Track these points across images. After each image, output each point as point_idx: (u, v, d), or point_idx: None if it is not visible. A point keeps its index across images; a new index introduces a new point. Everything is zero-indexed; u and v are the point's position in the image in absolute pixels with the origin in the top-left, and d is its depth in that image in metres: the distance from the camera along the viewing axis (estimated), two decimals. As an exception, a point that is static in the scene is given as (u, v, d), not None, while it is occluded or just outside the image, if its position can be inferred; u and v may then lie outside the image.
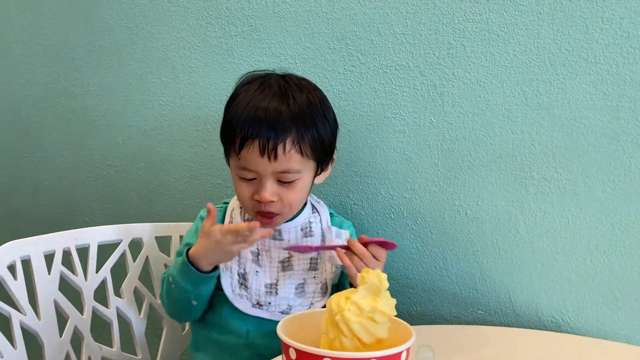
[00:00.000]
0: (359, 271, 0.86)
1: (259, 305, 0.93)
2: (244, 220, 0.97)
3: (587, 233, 0.97)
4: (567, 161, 0.97)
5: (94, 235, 1.04)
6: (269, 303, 0.93)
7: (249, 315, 0.93)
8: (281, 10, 1.14)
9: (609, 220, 0.95)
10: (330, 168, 0.99)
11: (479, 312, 1.05)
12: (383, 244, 0.90)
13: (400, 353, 0.59)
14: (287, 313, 0.92)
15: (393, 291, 0.68)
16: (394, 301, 0.62)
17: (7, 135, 1.54)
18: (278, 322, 0.76)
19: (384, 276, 0.62)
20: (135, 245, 1.09)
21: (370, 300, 0.61)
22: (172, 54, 1.27)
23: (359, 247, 0.89)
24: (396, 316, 0.65)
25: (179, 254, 0.98)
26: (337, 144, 1.00)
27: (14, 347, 0.86)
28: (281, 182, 0.91)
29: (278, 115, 0.89)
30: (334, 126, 0.97)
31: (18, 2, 1.46)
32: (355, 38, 1.08)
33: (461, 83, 1.02)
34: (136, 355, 1.08)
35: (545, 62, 0.96)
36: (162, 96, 1.30)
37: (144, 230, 1.09)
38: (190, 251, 0.92)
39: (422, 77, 1.04)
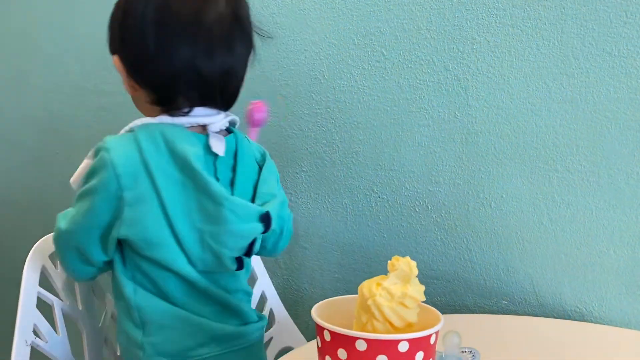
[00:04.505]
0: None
1: None
2: None
3: (611, 224, 0.98)
4: (591, 153, 0.98)
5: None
6: None
7: None
8: (306, 7, 1.17)
9: (633, 211, 0.96)
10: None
11: (503, 302, 1.07)
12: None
13: (430, 336, 0.61)
14: None
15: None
16: (422, 287, 0.64)
17: (39, 133, 1.58)
18: None
19: (414, 264, 0.64)
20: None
21: (401, 286, 0.63)
22: (200, 52, 1.30)
23: None
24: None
25: None
26: (358, 136, 1.05)
27: (56, 332, 0.89)
28: None
29: None
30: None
31: (49, 1, 1.50)
32: (380, 34, 1.10)
33: (485, 77, 1.03)
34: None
35: (569, 56, 0.97)
36: (190, 93, 1.32)
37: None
38: None
39: (447, 71, 1.06)
